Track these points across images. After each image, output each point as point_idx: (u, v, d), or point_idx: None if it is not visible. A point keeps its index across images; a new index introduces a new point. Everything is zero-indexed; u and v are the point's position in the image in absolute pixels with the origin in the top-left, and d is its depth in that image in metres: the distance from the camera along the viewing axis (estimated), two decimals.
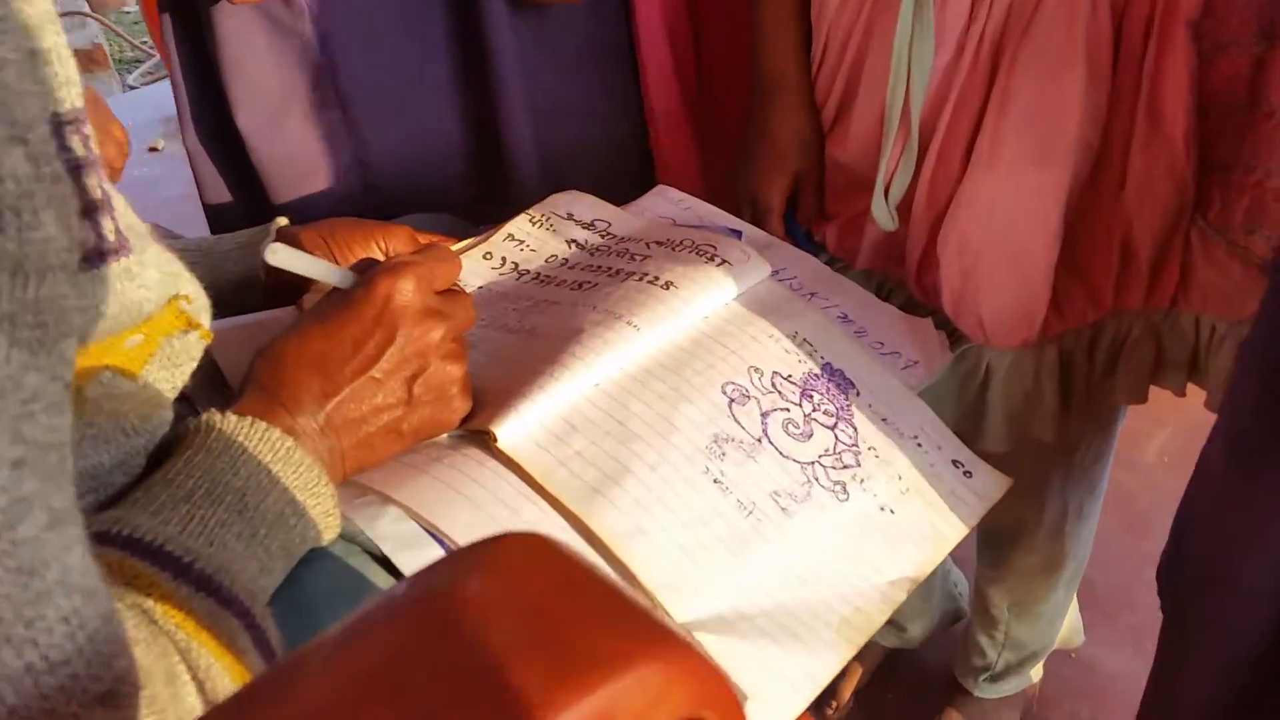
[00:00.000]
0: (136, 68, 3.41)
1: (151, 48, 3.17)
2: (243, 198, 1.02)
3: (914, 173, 0.86)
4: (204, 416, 0.50)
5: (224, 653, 0.42)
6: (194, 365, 0.53)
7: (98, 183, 0.41)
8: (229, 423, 0.50)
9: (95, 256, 0.41)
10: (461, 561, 0.30)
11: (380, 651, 0.27)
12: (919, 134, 0.84)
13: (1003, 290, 0.85)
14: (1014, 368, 0.89)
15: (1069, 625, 1.27)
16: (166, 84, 2.81)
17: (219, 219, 1.02)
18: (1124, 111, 0.80)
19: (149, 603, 0.40)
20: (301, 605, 0.51)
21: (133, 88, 3.33)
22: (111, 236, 0.42)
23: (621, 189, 0.87)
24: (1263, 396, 0.63)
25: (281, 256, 0.53)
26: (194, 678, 0.40)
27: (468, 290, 0.72)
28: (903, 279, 0.94)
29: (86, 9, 3.42)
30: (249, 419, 0.50)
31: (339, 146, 0.96)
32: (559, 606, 0.28)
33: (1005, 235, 0.83)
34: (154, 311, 0.48)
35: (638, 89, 1.03)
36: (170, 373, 0.52)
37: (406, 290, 0.56)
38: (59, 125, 0.37)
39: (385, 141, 0.96)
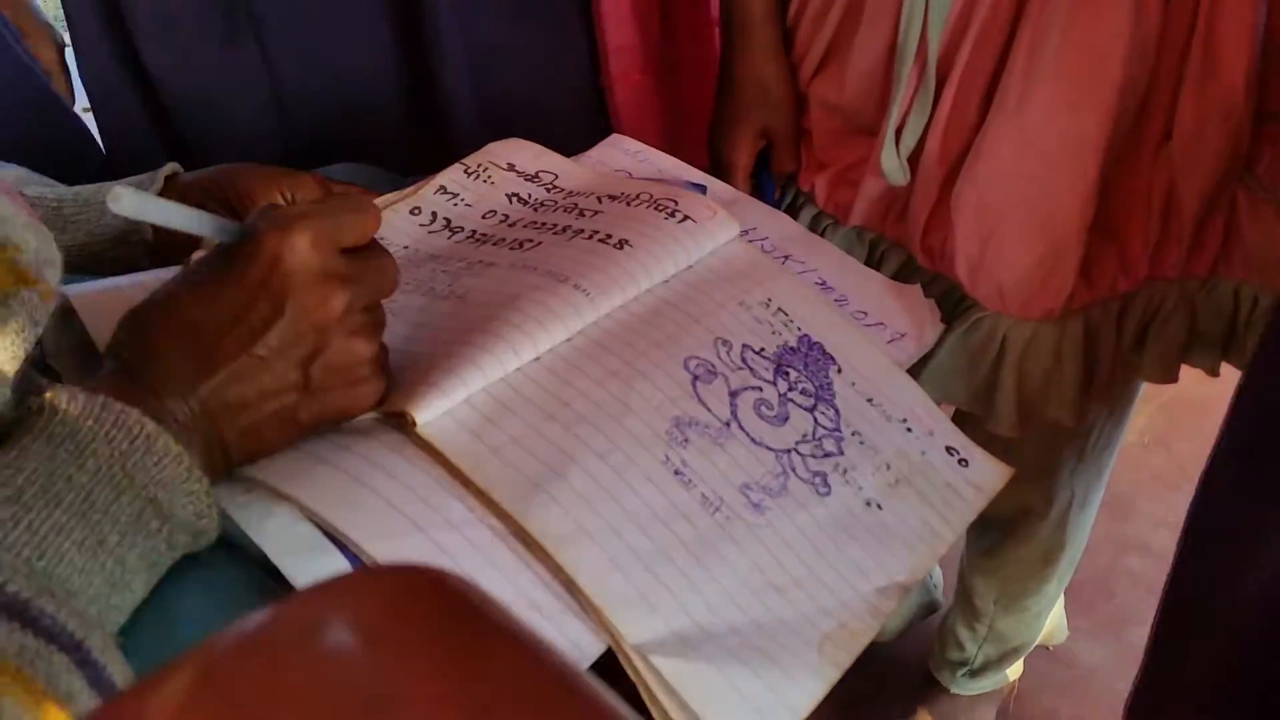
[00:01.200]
0: None
1: None
2: (150, 143, 0.91)
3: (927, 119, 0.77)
4: (46, 395, 0.40)
5: (40, 702, 0.32)
6: (38, 332, 0.43)
7: None
8: (76, 403, 0.40)
9: None
10: (325, 601, 0.22)
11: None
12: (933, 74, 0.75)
13: (1027, 255, 0.75)
14: (1034, 341, 0.79)
15: (1053, 621, 1.20)
16: None
17: (123, 168, 0.91)
18: (1175, 49, 0.70)
19: None
20: (168, 627, 0.42)
21: None
22: None
23: (572, 140, 0.77)
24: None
25: (127, 203, 0.42)
26: None
27: (390, 250, 0.62)
28: (901, 239, 0.84)
29: None
30: (100, 398, 0.40)
31: (254, 84, 0.85)
32: (456, 689, 0.19)
33: (1033, 192, 0.73)
34: None
35: (590, 24, 0.93)
36: (8, 340, 0.42)
37: (300, 248, 0.45)
38: None
39: (304, 79, 0.85)
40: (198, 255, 0.59)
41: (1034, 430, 0.83)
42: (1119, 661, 1.22)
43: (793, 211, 0.91)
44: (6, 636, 0.33)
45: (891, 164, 0.79)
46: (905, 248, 0.84)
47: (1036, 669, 1.22)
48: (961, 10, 0.72)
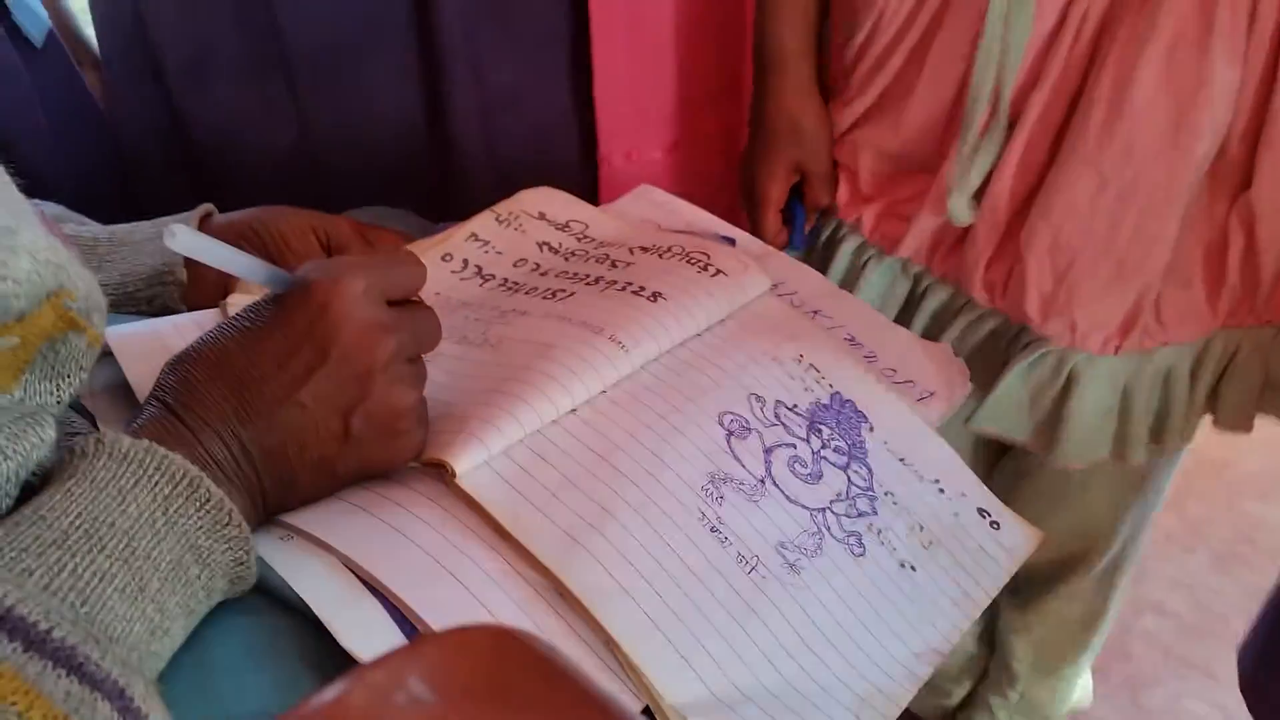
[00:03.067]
0: None
1: None
2: (177, 181, 0.92)
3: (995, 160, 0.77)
4: (90, 439, 0.40)
5: None
6: (84, 376, 0.43)
7: None
8: (120, 447, 0.40)
9: None
10: (409, 665, 0.22)
11: None
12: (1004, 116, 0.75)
13: (1103, 293, 0.76)
14: (1104, 377, 0.79)
15: (1081, 687, 1.18)
16: None
17: (147, 204, 0.92)
18: (1254, 96, 0.70)
19: None
20: (204, 675, 0.41)
21: None
22: None
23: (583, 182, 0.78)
24: None
25: (183, 240, 0.42)
26: None
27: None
28: (949, 274, 0.84)
29: None
30: (144, 443, 0.40)
31: (281, 124, 0.85)
32: None
33: (1110, 232, 0.74)
34: (27, 310, 0.38)
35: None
36: (54, 385, 0.42)
37: (349, 296, 0.45)
38: None
39: (331, 120, 0.86)
40: (233, 298, 0.59)
41: (1099, 469, 0.83)
42: None
43: (833, 243, 0.91)
44: (54, 683, 0.32)
45: (960, 206, 0.79)
46: (953, 283, 0.84)
47: None
48: (1037, 54, 0.72)
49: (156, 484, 0.39)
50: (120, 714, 0.34)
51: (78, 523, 0.38)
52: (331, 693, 0.20)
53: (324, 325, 0.44)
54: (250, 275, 0.45)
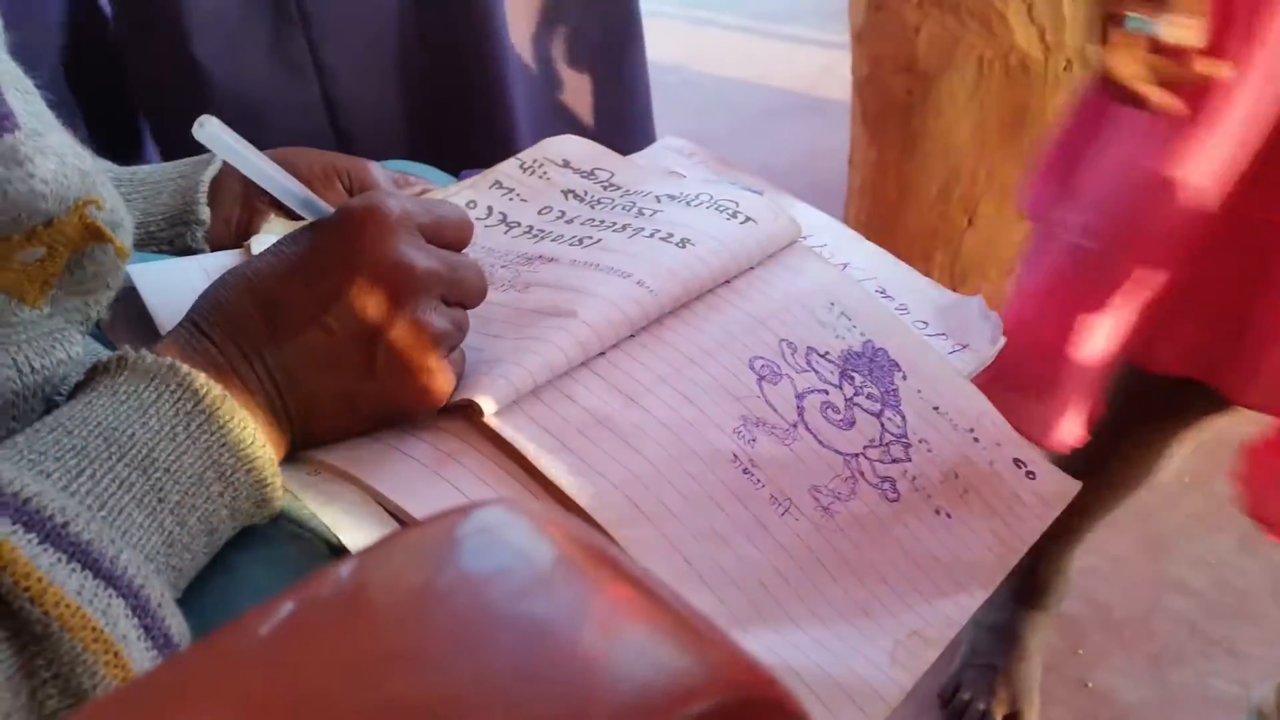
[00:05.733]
0: None
1: None
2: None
3: None
4: (113, 356, 0.39)
5: (99, 639, 0.32)
6: (110, 295, 0.43)
7: None
8: (143, 362, 0.39)
9: None
10: (411, 549, 0.21)
11: (288, 686, 0.17)
12: None
13: None
14: None
15: None
16: None
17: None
18: None
19: None
20: (233, 593, 0.41)
21: None
22: None
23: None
24: None
25: (210, 132, 0.40)
26: (54, 674, 0.31)
27: None
28: None
29: None
30: (167, 360, 0.39)
31: (302, 82, 0.84)
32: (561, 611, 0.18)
33: None
34: (55, 213, 0.38)
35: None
36: (81, 301, 0.41)
37: (385, 224, 0.43)
38: None
39: (351, 78, 0.85)
40: (257, 238, 0.58)
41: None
42: (1160, 701, 1.19)
43: None
44: (67, 576, 0.32)
45: None
46: None
47: (1074, 706, 1.20)
48: None
49: (179, 399, 0.39)
50: (135, 613, 0.34)
51: (97, 431, 0.37)
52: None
53: (355, 249, 0.43)
54: (285, 195, 0.44)
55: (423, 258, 0.44)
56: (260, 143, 0.88)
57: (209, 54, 0.85)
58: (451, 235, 0.47)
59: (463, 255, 0.48)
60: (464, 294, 0.47)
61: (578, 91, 0.97)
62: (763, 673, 0.19)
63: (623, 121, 0.98)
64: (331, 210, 0.45)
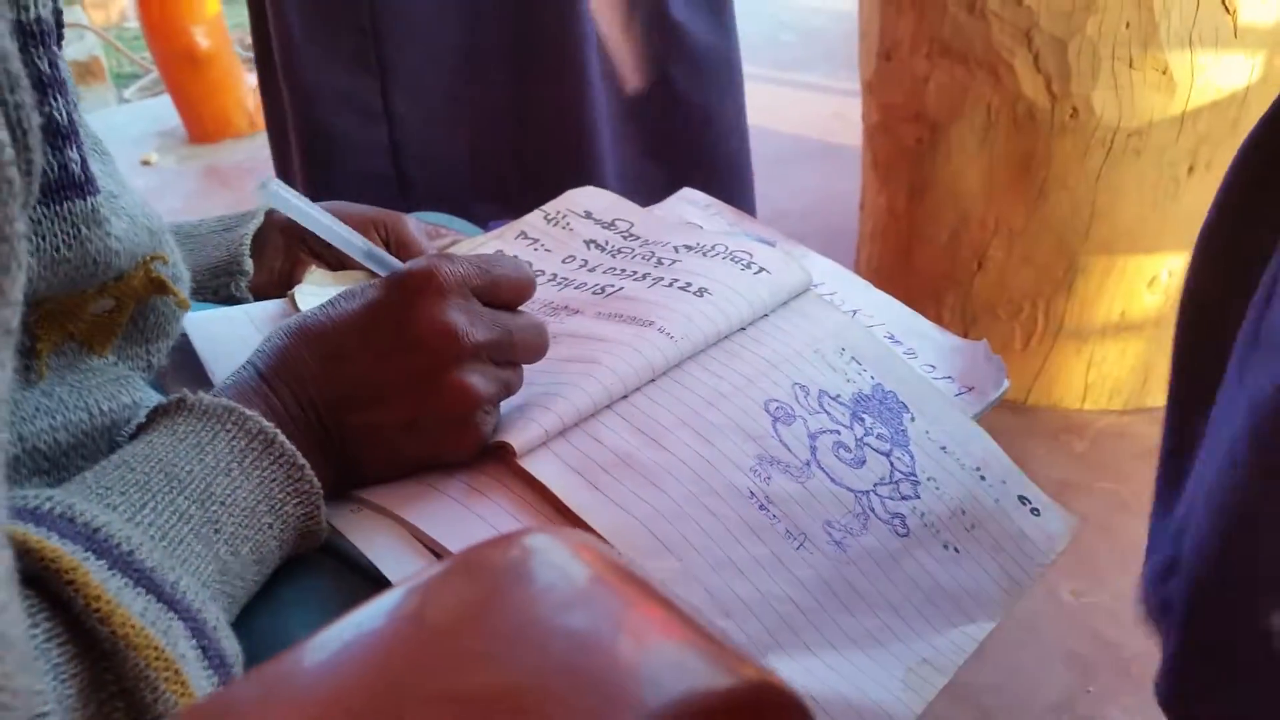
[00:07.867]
0: (134, 82, 3.35)
1: (150, 63, 3.11)
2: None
3: None
4: (174, 398, 0.43)
5: (161, 657, 0.35)
6: (170, 343, 0.46)
7: (66, 109, 0.35)
8: (201, 404, 0.42)
9: (56, 189, 0.35)
10: (469, 570, 0.24)
11: (368, 681, 0.20)
12: None
13: None
14: None
15: None
16: (163, 99, 2.76)
17: None
18: None
19: (68, 592, 0.33)
20: (279, 628, 0.43)
21: (127, 101, 3.27)
22: (77, 170, 0.36)
23: None
24: None
25: (275, 192, 0.44)
26: (120, 689, 0.34)
27: None
28: None
29: (86, 22, 3.37)
30: (224, 401, 0.43)
31: (374, 124, 0.88)
32: (594, 625, 0.21)
33: None
34: (125, 269, 0.41)
35: None
36: (144, 349, 0.45)
37: (439, 289, 0.46)
38: (24, 30, 0.33)
39: (421, 122, 0.89)
40: (300, 288, 0.62)
41: None
42: None
43: None
44: (133, 599, 0.35)
45: None
46: None
47: (1105, 682, 1.20)
48: None
49: (234, 437, 0.42)
50: (193, 635, 0.37)
51: (159, 468, 0.40)
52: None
53: (408, 312, 0.46)
54: (349, 248, 0.47)
55: (470, 322, 0.47)
56: (323, 181, 0.92)
57: (287, 89, 0.89)
58: (508, 294, 0.50)
59: (519, 314, 0.51)
60: (518, 354, 0.51)
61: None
62: (778, 680, 0.22)
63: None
64: (395, 261, 0.48)
